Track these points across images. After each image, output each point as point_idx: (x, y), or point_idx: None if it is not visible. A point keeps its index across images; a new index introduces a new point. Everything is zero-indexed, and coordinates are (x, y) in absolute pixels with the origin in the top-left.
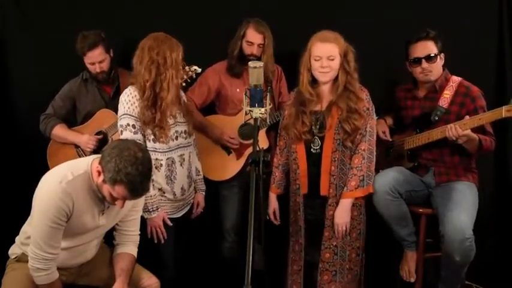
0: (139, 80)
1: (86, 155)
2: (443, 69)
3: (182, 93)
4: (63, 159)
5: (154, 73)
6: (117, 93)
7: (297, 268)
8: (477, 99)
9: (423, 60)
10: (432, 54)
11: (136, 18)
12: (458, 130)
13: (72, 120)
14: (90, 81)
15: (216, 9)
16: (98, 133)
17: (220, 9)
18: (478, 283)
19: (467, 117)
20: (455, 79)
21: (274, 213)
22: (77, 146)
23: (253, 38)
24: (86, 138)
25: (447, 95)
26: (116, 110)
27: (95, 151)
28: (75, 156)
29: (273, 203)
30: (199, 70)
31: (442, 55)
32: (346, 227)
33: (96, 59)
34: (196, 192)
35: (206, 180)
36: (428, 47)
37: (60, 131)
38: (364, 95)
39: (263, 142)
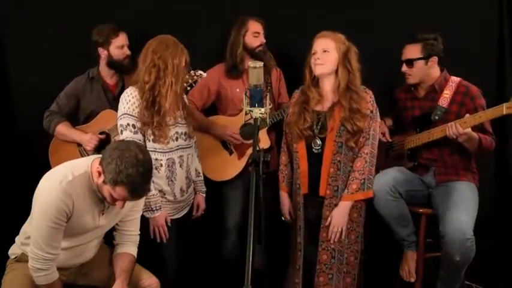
0: (140, 79)
1: (87, 154)
2: (442, 70)
3: (184, 95)
4: (64, 156)
5: (154, 76)
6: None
7: (296, 268)
8: (476, 98)
9: (403, 64)
10: (410, 58)
11: (135, 20)
12: (459, 128)
13: (75, 118)
14: (97, 80)
15: (215, 12)
16: (101, 133)
17: (219, 11)
18: (478, 283)
19: (467, 115)
20: (455, 79)
21: (289, 212)
22: (79, 145)
23: (258, 27)
24: (88, 136)
25: (447, 94)
26: None
27: (97, 151)
28: (77, 155)
29: (286, 202)
30: (205, 75)
31: (434, 59)
32: (341, 230)
33: (126, 41)
34: (196, 193)
35: (209, 181)
36: (411, 51)
37: (63, 129)
38: (368, 97)
39: (264, 141)
